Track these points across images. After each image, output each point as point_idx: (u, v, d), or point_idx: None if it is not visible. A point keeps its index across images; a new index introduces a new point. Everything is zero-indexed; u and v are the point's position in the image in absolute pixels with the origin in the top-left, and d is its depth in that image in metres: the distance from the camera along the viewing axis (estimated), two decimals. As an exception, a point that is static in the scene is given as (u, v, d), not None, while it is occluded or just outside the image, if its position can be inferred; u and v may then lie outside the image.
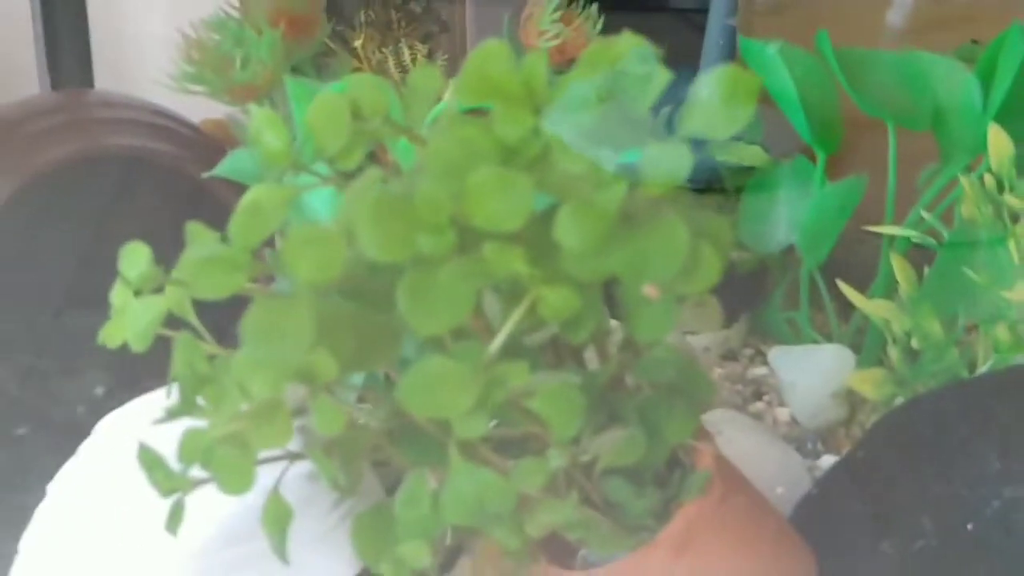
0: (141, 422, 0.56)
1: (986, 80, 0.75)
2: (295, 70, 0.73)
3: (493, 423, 0.48)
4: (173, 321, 0.51)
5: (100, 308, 0.52)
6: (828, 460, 0.72)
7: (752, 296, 0.84)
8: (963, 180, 0.68)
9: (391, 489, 0.50)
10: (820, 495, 0.63)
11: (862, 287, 0.77)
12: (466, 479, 0.46)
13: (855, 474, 0.62)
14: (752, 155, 0.79)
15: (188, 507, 0.49)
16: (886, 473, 0.60)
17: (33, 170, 0.73)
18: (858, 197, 0.75)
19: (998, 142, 0.68)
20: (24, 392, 0.70)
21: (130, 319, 0.50)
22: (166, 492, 0.47)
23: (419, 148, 0.48)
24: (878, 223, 0.76)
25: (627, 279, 0.43)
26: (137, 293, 0.50)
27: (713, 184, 0.86)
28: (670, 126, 0.56)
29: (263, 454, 0.47)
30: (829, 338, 0.79)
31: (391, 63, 0.75)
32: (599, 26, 0.71)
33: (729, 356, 0.83)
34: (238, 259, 0.44)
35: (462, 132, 0.43)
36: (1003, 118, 0.72)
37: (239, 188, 0.54)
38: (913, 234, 0.72)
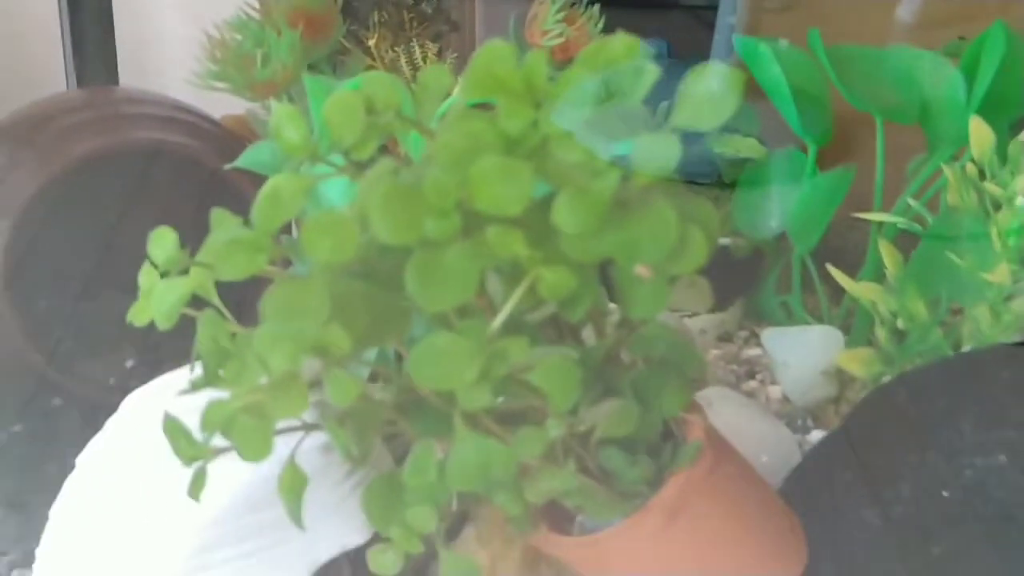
0: (164, 398, 0.58)
1: (970, 75, 0.77)
2: (312, 68, 0.74)
3: (499, 399, 0.51)
4: (196, 303, 0.53)
5: (125, 291, 0.54)
6: (817, 435, 0.74)
7: (747, 281, 0.86)
8: (946, 170, 0.70)
9: (401, 461, 0.52)
10: (809, 467, 0.65)
11: (854, 271, 0.79)
12: (470, 448, 0.48)
13: (842, 447, 0.64)
14: (748, 147, 0.81)
15: (209, 476, 0.51)
16: (870, 446, 0.62)
17: (62, 162, 0.74)
18: (847, 186, 0.77)
19: (979, 133, 0.70)
20: (55, 370, 0.73)
21: (157, 299, 0.52)
22: (189, 460, 0.50)
23: (429, 140, 0.50)
24: (872, 210, 0.78)
25: (620, 260, 0.46)
26: (164, 275, 0.53)
27: (711, 175, 0.88)
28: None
29: (280, 424, 0.50)
30: (820, 320, 0.81)
31: (403, 61, 0.77)
32: (600, 25, 0.73)
33: (725, 338, 0.85)
34: (260, 242, 0.47)
35: (468, 125, 0.45)
36: (985, 111, 0.74)
37: (256, 179, 0.56)
38: (900, 220, 0.74)
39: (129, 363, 0.73)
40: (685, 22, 1.18)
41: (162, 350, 0.72)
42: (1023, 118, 0.78)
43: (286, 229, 0.50)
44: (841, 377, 0.77)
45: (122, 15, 0.91)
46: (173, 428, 0.51)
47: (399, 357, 0.54)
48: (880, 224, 0.77)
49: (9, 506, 0.67)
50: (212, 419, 0.49)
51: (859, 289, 0.73)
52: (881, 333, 0.73)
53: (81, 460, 0.61)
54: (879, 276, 0.76)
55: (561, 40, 0.70)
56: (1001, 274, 0.68)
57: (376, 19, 0.79)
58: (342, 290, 0.47)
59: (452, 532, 0.62)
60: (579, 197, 0.44)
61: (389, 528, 0.53)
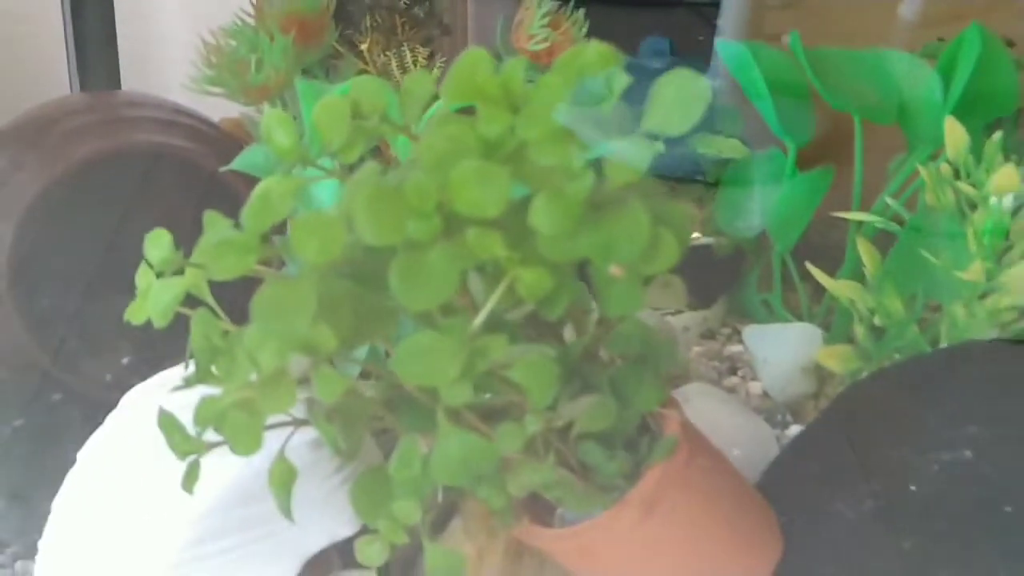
0: (162, 394, 0.59)
1: (947, 76, 0.78)
2: (306, 72, 0.75)
3: (486, 396, 0.52)
4: (192, 302, 0.54)
5: (123, 290, 0.55)
6: (796, 430, 0.75)
7: (730, 279, 0.87)
8: (921, 169, 0.71)
9: (390, 455, 0.53)
10: (786, 460, 0.66)
11: (836, 269, 0.80)
12: (453, 442, 0.49)
13: (816, 441, 0.65)
14: (731, 148, 0.82)
15: (202, 469, 0.52)
16: (844, 440, 0.63)
17: (66, 164, 0.75)
18: (826, 187, 0.78)
19: (954, 134, 0.70)
20: (57, 367, 0.74)
21: (153, 298, 0.53)
22: (183, 453, 0.51)
23: (414, 144, 0.51)
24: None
25: (596, 261, 0.47)
26: (159, 275, 0.54)
27: (695, 175, 0.89)
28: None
29: (271, 420, 0.51)
30: (800, 317, 0.82)
31: (394, 65, 0.78)
32: (585, 29, 0.74)
33: (708, 335, 0.86)
34: (249, 243, 0.47)
35: (449, 129, 0.46)
36: (962, 111, 0.75)
37: (252, 181, 0.57)
38: (876, 219, 0.75)
39: (125, 360, 0.73)
40: (689, 20, 1.18)
41: (158, 348, 0.73)
42: (1000, 118, 0.79)
43: (281, 230, 0.50)
44: (820, 373, 0.78)
45: (124, 20, 0.92)
46: (167, 423, 0.52)
47: (387, 355, 0.55)
48: (859, 223, 0.78)
49: (12, 498, 0.67)
50: (204, 414, 0.50)
51: (838, 287, 0.74)
52: (859, 330, 0.74)
53: (82, 454, 0.62)
54: (858, 274, 0.76)
55: (546, 44, 0.71)
56: (975, 272, 0.69)
57: (368, 24, 0.80)
58: (329, 290, 0.48)
59: (439, 525, 0.63)
60: (555, 199, 0.44)
61: (376, 520, 0.54)
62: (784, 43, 1.11)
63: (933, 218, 0.72)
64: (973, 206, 0.71)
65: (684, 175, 0.90)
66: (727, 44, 0.78)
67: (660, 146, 0.61)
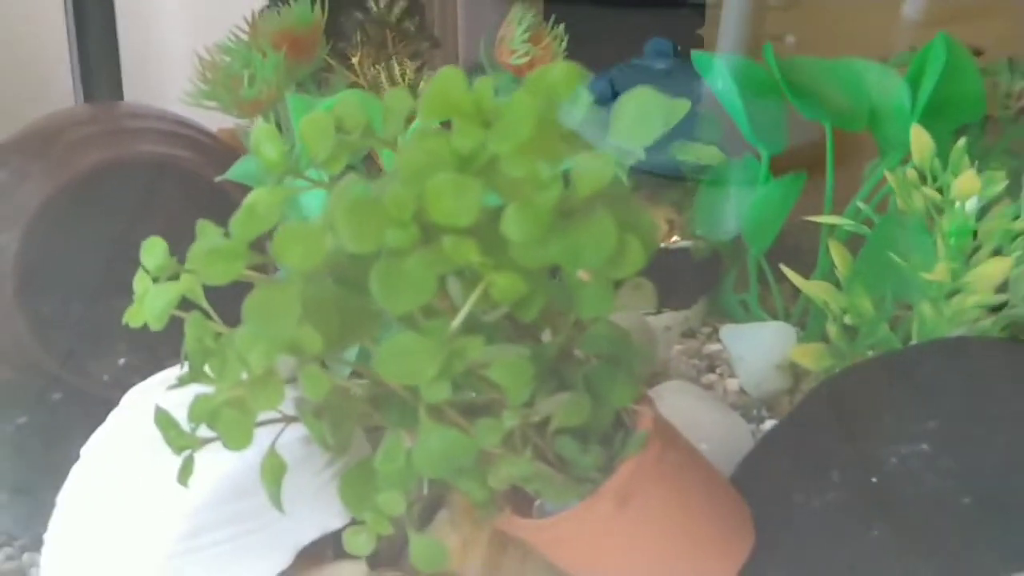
0: (160, 393, 0.61)
1: (916, 84, 0.80)
2: (299, 85, 0.78)
3: (471, 393, 0.54)
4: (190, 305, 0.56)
5: (128, 294, 0.57)
6: (771, 425, 0.77)
7: (711, 280, 0.89)
8: (888, 175, 0.73)
9: (379, 451, 0.55)
10: (759, 454, 0.68)
11: (813, 271, 0.82)
12: (434, 437, 0.51)
13: (788, 436, 0.67)
14: (709, 155, 0.84)
15: (198, 465, 0.54)
16: (813, 435, 0.65)
17: (69, 174, 0.77)
18: (797, 192, 0.80)
19: (919, 140, 0.72)
20: (62, 369, 0.76)
21: (149, 303, 0.56)
22: (178, 449, 0.53)
23: (396, 156, 0.53)
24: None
25: (566, 266, 0.49)
26: (155, 280, 0.56)
27: (677, 178, 0.90)
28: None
29: (262, 416, 0.53)
30: (776, 317, 0.84)
31: (384, 78, 0.81)
32: (564, 44, 0.76)
33: (688, 334, 0.88)
34: (237, 250, 0.49)
35: (425, 143, 0.48)
36: (929, 118, 0.77)
37: (248, 190, 0.59)
38: (847, 223, 0.77)
39: (121, 361, 0.76)
40: (693, 21, 1.19)
41: (160, 349, 0.75)
42: (967, 124, 0.81)
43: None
44: (796, 370, 0.79)
45: (126, 34, 0.94)
46: (163, 420, 0.54)
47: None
48: (832, 226, 0.80)
49: (18, 493, 0.70)
50: (198, 412, 0.52)
51: (811, 287, 0.76)
52: (832, 329, 0.76)
53: (85, 451, 0.64)
54: (832, 275, 0.78)
55: (527, 59, 0.73)
56: (940, 273, 0.71)
57: (359, 38, 0.82)
58: (315, 294, 0.50)
59: (426, 516, 0.65)
60: (525, 209, 0.47)
61: (362, 511, 0.56)
62: (787, 44, 1.12)
63: (901, 221, 0.74)
64: (940, 210, 0.73)
65: (670, 174, 0.91)
66: (700, 55, 0.80)
67: (641, 153, 0.64)
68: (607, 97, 1.06)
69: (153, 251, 0.56)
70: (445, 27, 1.01)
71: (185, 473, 0.53)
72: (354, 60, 0.82)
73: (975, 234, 0.72)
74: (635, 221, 0.49)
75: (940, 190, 0.72)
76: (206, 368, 0.53)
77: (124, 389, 0.65)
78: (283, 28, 0.77)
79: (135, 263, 0.57)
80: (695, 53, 0.81)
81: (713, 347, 0.86)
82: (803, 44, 1.10)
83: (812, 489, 0.61)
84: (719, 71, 0.78)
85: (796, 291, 0.80)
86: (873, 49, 0.89)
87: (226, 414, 0.51)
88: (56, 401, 0.74)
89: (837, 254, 0.76)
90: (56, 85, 0.97)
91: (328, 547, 0.63)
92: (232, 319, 0.54)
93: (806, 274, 0.78)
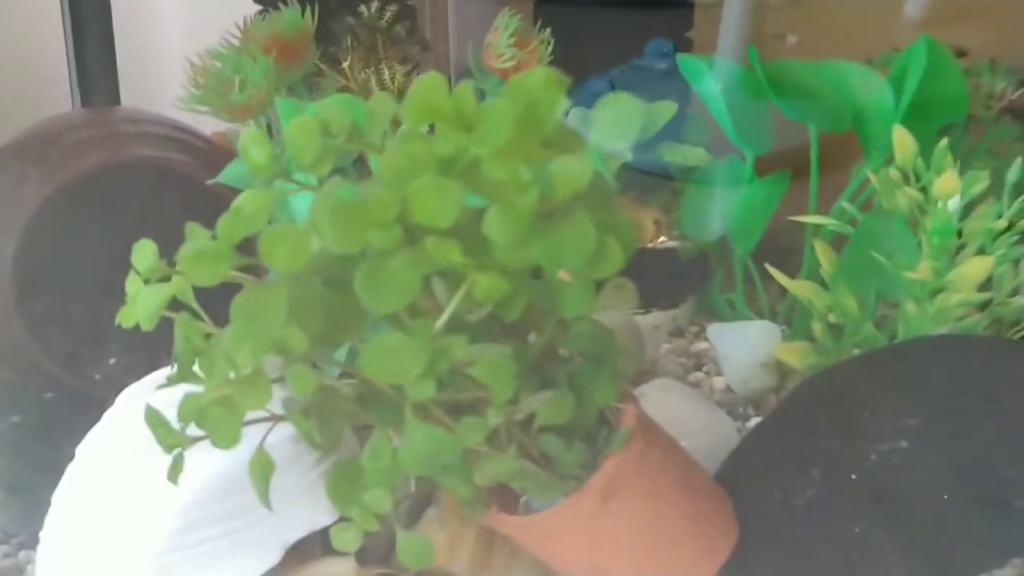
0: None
1: (899, 85, 0.80)
2: (290, 89, 0.78)
3: (456, 391, 0.54)
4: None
5: (123, 296, 0.57)
6: (756, 422, 0.77)
7: (699, 280, 0.90)
8: (871, 176, 0.73)
9: (368, 449, 0.55)
10: (743, 451, 0.68)
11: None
12: (420, 435, 0.51)
13: (772, 433, 0.68)
14: (695, 156, 0.85)
15: (189, 463, 0.55)
16: (796, 432, 0.66)
17: (67, 177, 0.77)
18: (781, 193, 0.80)
19: (902, 141, 0.73)
20: (59, 370, 0.77)
21: (140, 304, 0.56)
22: (168, 447, 0.54)
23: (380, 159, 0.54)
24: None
25: (547, 266, 0.49)
26: (146, 282, 0.56)
27: (671, 177, 0.91)
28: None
29: (251, 415, 0.54)
30: (762, 316, 0.85)
31: (374, 82, 0.81)
32: (550, 48, 0.77)
33: (677, 333, 0.89)
34: (223, 252, 0.50)
35: (408, 147, 0.49)
36: (912, 118, 0.77)
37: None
38: (831, 222, 0.77)
39: (112, 360, 0.76)
40: (682, 23, 1.19)
41: (153, 349, 0.76)
42: (950, 124, 0.82)
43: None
44: (782, 368, 0.80)
45: (124, 40, 0.95)
46: (154, 419, 0.55)
47: (363, 355, 0.58)
48: (818, 226, 0.80)
49: (14, 490, 0.70)
50: (187, 411, 0.53)
51: (796, 286, 0.77)
52: (817, 327, 0.76)
53: (80, 449, 0.64)
54: (818, 274, 0.79)
55: (513, 63, 0.74)
56: (923, 271, 0.71)
57: (350, 42, 0.83)
58: (301, 294, 0.51)
59: (415, 514, 0.66)
60: (506, 211, 0.47)
61: (350, 508, 0.57)
62: (788, 44, 1.12)
63: (884, 220, 0.75)
64: (923, 210, 0.73)
65: (665, 174, 0.92)
66: (685, 57, 0.81)
67: (629, 154, 0.65)
68: (608, 98, 1.06)
69: (144, 253, 0.56)
70: (437, 31, 1.02)
71: (175, 471, 0.54)
72: (345, 64, 0.82)
73: (960, 233, 0.73)
74: (615, 222, 0.50)
75: (924, 189, 0.73)
76: (195, 368, 0.54)
77: (118, 388, 0.66)
78: (273, 34, 0.77)
79: (131, 265, 0.57)
80: (681, 57, 0.81)
81: (701, 346, 0.87)
82: (804, 44, 1.11)
83: (794, 486, 0.62)
84: (704, 74, 0.79)
85: (784, 291, 0.81)
86: (874, 49, 0.90)
87: (214, 413, 0.51)
88: (51, 400, 0.74)
89: (822, 253, 0.76)
90: (54, 90, 0.97)
91: (317, 544, 0.63)
92: (227, 320, 0.55)
93: (794, 274, 0.79)
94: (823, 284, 0.77)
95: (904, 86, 0.79)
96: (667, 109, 0.76)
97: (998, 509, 0.61)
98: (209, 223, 0.53)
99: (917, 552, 0.59)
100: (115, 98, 0.95)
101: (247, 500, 0.56)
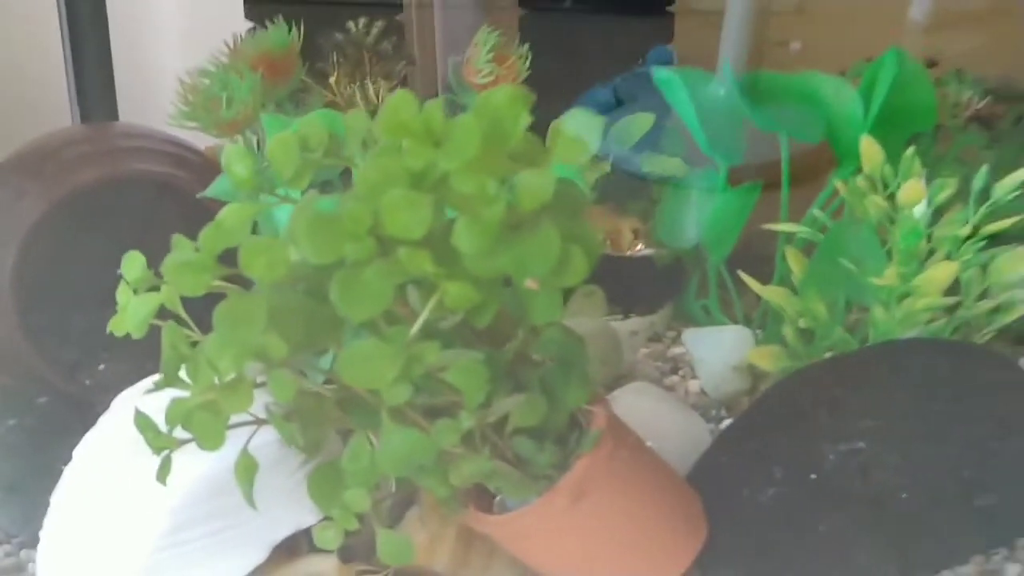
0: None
1: (869, 95, 0.82)
2: (278, 105, 0.80)
3: (429, 395, 0.56)
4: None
5: (103, 304, 0.59)
6: (728, 424, 0.78)
7: (676, 286, 0.91)
8: (839, 184, 0.75)
9: (352, 451, 0.57)
10: (713, 452, 0.70)
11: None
12: (396, 438, 0.53)
13: (742, 434, 0.69)
14: (672, 166, 0.86)
15: (179, 466, 0.57)
16: (765, 433, 0.67)
17: (64, 192, 0.79)
18: (753, 202, 0.82)
19: (869, 151, 0.74)
20: (56, 376, 0.78)
21: (131, 313, 0.58)
22: (157, 449, 0.55)
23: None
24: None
25: (514, 275, 0.51)
26: (136, 292, 0.58)
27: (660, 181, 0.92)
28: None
29: (236, 419, 0.55)
30: (736, 321, 0.86)
31: (359, 97, 0.83)
32: (528, 63, 0.79)
33: (654, 338, 0.91)
34: (205, 263, 0.52)
35: (380, 161, 0.50)
36: (881, 128, 0.79)
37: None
38: (803, 230, 0.79)
39: (101, 367, 0.78)
40: (689, 28, 1.20)
41: (149, 356, 0.77)
42: (919, 134, 0.83)
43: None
44: (755, 372, 0.81)
45: (121, 56, 0.96)
46: (143, 422, 0.57)
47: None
48: (790, 234, 0.82)
49: (13, 492, 0.72)
50: (173, 415, 0.54)
51: (767, 292, 0.78)
52: (788, 332, 0.77)
53: (77, 452, 0.66)
54: (790, 281, 0.80)
55: (491, 78, 0.76)
56: (889, 277, 0.73)
57: (335, 58, 0.85)
58: (281, 303, 0.52)
59: (397, 514, 0.67)
60: (474, 222, 0.49)
61: (331, 508, 0.58)
62: (792, 49, 1.13)
63: (852, 227, 0.76)
64: (891, 218, 0.75)
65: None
66: (660, 70, 0.82)
67: (607, 166, 0.66)
68: (611, 105, 1.08)
69: (133, 264, 0.58)
70: (424, 47, 1.03)
71: (163, 472, 0.55)
72: (331, 80, 0.84)
73: (929, 238, 0.74)
74: (580, 232, 0.52)
75: (892, 197, 0.74)
76: (182, 373, 0.55)
77: (111, 393, 0.67)
78: (260, 51, 0.80)
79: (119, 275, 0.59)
80: (656, 69, 0.83)
81: (677, 350, 0.89)
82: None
83: (760, 485, 0.63)
84: (675, 86, 0.80)
85: (757, 297, 0.82)
86: (879, 54, 0.90)
87: (199, 417, 0.53)
88: (46, 405, 0.76)
89: (793, 260, 0.78)
90: (52, 106, 0.99)
91: (303, 542, 0.65)
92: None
93: (767, 281, 0.80)
94: (795, 290, 0.78)
95: (873, 96, 0.80)
96: (645, 120, 0.78)
97: (960, 508, 0.63)
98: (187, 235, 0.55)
99: (881, 550, 0.61)
100: (113, 114, 0.96)
101: (235, 501, 0.57)
